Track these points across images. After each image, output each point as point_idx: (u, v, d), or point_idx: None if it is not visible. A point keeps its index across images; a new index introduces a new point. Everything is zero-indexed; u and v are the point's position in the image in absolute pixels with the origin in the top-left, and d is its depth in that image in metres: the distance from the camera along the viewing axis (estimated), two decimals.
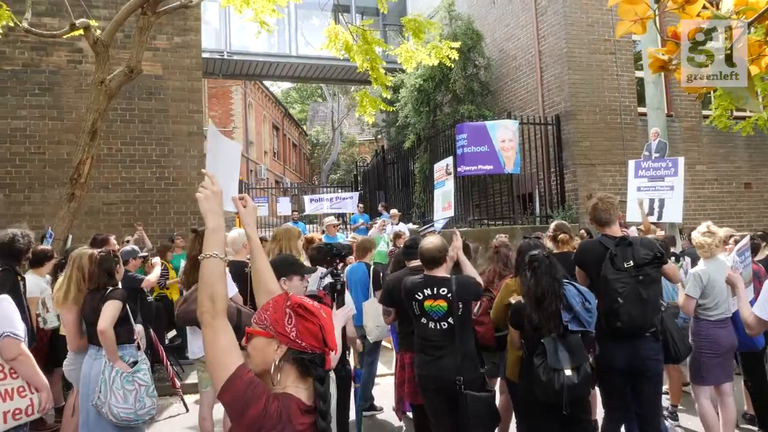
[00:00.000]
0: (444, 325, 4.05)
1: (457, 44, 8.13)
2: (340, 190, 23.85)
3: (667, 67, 1.69)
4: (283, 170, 43.00)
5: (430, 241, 4.24)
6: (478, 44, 14.85)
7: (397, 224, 13.17)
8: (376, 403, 6.61)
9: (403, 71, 15.85)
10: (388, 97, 8.68)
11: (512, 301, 4.15)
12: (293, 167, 47.34)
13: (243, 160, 32.78)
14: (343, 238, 11.13)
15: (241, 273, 5.60)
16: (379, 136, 22.92)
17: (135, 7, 7.45)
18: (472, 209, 13.35)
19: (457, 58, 8.18)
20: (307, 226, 20.53)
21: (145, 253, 7.04)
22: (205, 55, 17.76)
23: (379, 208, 16.34)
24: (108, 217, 9.48)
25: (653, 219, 9.11)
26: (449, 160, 12.34)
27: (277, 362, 1.83)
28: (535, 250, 3.92)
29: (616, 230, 4.22)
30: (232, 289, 4.92)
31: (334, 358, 4.51)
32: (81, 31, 7.42)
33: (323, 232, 12.22)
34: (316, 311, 1.88)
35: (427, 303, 4.07)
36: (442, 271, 4.17)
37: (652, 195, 9.56)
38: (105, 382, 4.12)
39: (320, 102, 49.79)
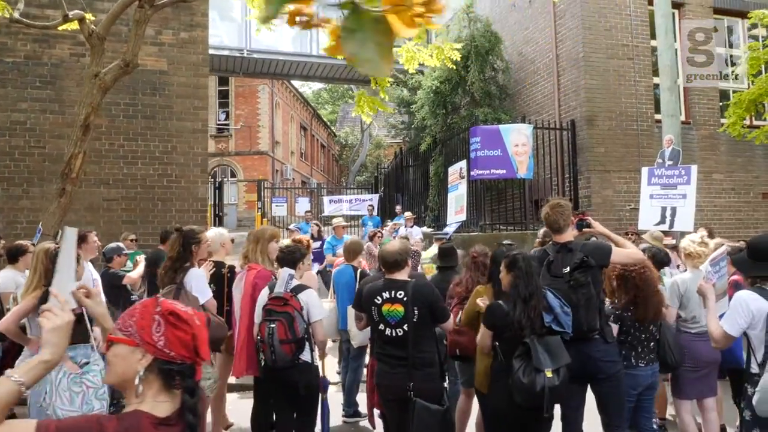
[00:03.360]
0: (400, 331, 3.90)
1: (459, 45, 7.83)
2: (362, 192, 23.67)
3: (311, 23, 1.31)
4: (310, 171, 43.06)
5: (391, 245, 4.20)
6: (497, 47, 14.52)
7: (411, 227, 12.90)
8: (361, 409, 6.35)
9: (422, 73, 15.65)
10: (386, 97, 8.43)
11: (480, 303, 4.05)
12: (321, 168, 47.39)
13: (269, 160, 32.88)
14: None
15: (218, 274, 5.46)
16: (407, 138, 22.76)
17: (131, 0, 7.31)
18: (484, 213, 13.02)
19: (458, 59, 7.88)
20: (325, 227, 20.39)
21: (131, 250, 6.87)
22: (224, 53, 17.84)
23: (397, 209, 16.13)
24: (108, 213, 9.36)
25: (665, 227, 8.78)
26: (463, 163, 12.17)
27: (141, 373, 1.66)
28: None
29: (566, 236, 4.08)
30: (205, 295, 4.72)
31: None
32: (76, 24, 7.30)
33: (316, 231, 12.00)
34: (189, 319, 1.73)
35: (385, 307, 3.94)
36: (402, 275, 4.06)
37: (664, 203, 9.28)
38: (51, 383, 3.93)
39: (351, 103, 49.62)
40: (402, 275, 4.05)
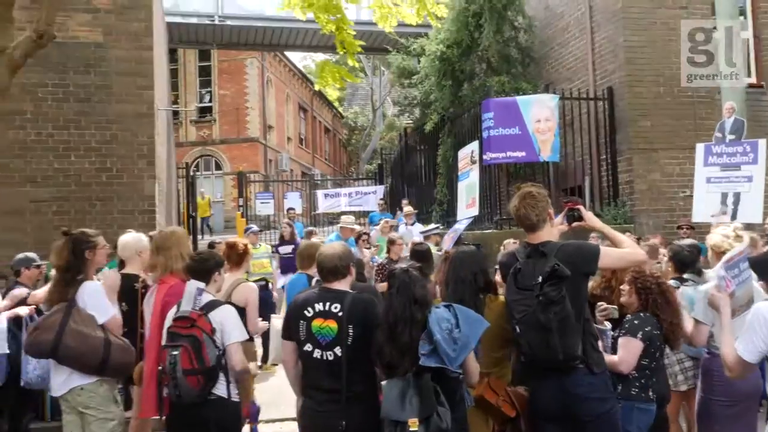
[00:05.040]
0: (331, 355, 3.77)
1: None
2: (365, 183, 23.54)
3: None
4: (312, 159, 43.16)
5: (331, 247, 4.12)
6: (517, 0, 14.25)
7: (412, 224, 12.73)
8: None
9: (426, 35, 15.45)
10: (356, 65, 8.27)
11: None
12: (326, 156, 47.48)
13: (260, 148, 32.97)
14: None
15: (130, 289, 5.39)
16: (411, 117, 22.55)
17: None
18: (501, 207, 12.77)
19: (445, 16, 7.71)
20: (326, 228, 20.36)
21: (45, 262, 6.82)
22: (192, 20, 17.85)
23: (403, 203, 15.97)
24: (37, 217, 9.36)
25: (725, 219, 8.49)
26: (474, 145, 11.92)
27: None
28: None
29: (542, 236, 3.84)
30: (106, 313, 4.64)
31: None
32: None
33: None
34: None
35: (316, 322, 3.82)
36: (342, 285, 3.97)
37: (724, 188, 9.03)
38: None
39: (362, 77, 49.41)
40: (342, 285, 3.95)
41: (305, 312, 3.84)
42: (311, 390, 3.87)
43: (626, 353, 4.08)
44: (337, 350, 3.75)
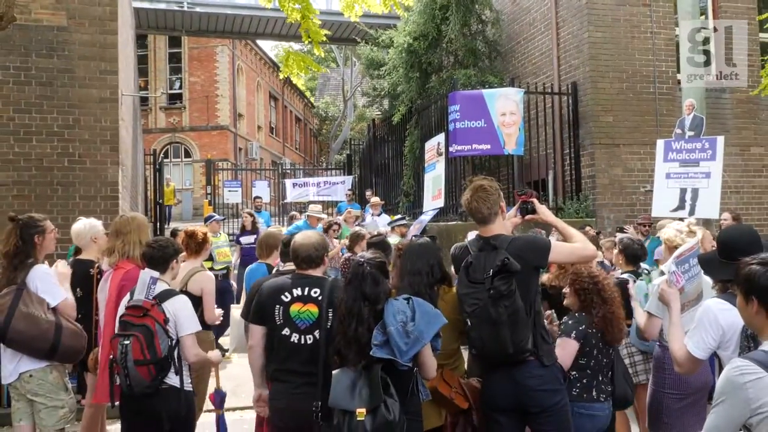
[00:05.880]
0: (309, 339, 3.80)
1: None
2: (333, 173, 23.47)
3: None
4: (283, 148, 42.88)
5: (306, 237, 4.11)
6: None
7: (378, 215, 12.73)
8: None
9: (394, 27, 15.39)
10: (321, 55, 8.21)
11: None
12: (296, 145, 47.17)
13: (230, 136, 32.67)
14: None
15: (85, 275, 5.31)
16: (380, 108, 22.46)
17: None
18: None
19: (411, 5, 7.66)
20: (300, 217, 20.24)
21: None
22: (161, 6, 17.59)
23: (367, 195, 15.95)
24: None
25: (684, 214, 8.58)
26: (440, 137, 11.94)
27: None
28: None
29: (494, 229, 3.83)
30: (56, 296, 4.54)
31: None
32: None
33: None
34: None
35: (295, 307, 3.83)
36: (317, 273, 4.00)
37: (683, 184, 9.12)
38: None
39: (334, 68, 49.14)
40: (316, 273, 3.99)
41: (282, 297, 3.84)
42: (285, 374, 3.83)
43: (561, 353, 4.03)
44: (317, 334, 3.77)
